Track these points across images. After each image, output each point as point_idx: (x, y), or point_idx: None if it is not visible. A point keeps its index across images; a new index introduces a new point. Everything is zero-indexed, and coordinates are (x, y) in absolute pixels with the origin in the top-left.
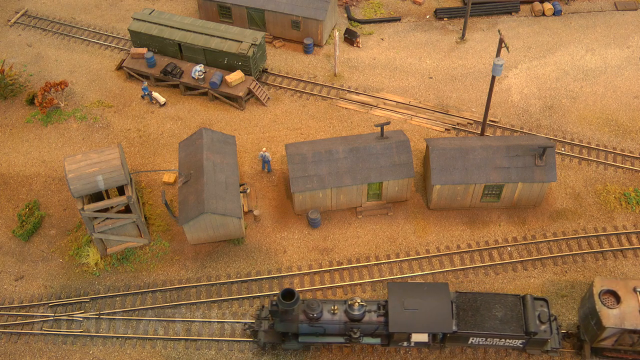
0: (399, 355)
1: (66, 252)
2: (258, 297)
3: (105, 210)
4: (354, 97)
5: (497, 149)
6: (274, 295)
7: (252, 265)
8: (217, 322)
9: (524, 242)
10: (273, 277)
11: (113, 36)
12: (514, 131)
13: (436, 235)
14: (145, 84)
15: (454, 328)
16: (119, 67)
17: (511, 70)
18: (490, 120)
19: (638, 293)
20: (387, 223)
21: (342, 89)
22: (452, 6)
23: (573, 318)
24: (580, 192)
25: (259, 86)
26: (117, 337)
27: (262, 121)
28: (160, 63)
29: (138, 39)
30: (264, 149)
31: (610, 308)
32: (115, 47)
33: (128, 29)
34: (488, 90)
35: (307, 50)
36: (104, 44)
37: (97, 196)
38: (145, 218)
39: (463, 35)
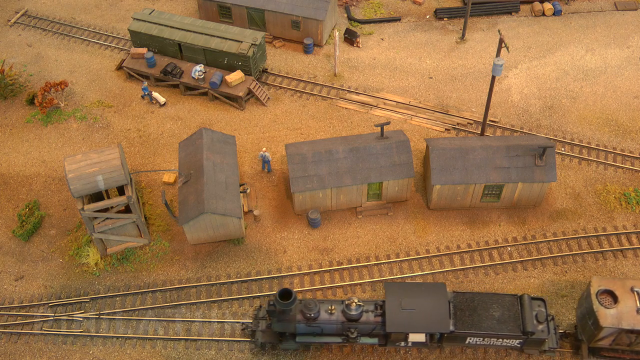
0: (399, 355)
1: (66, 252)
2: (258, 297)
3: (105, 210)
4: (354, 97)
5: (497, 149)
6: (273, 295)
7: (252, 265)
8: (217, 322)
9: (524, 242)
10: (273, 277)
11: (113, 36)
12: (514, 131)
13: (436, 235)
14: (145, 84)
15: (451, 328)
16: (119, 67)
17: (511, 70)
18: (490, 120)
19: (635, 293)
20: (387, 223)
21: (342, 89)
22: (452, 6)
23: (573, 318)
24: (580, 192)
25: (259, 86)
26: (117, 337)
27: (262, 121)
28: (160, 63)
29: (138, 39)
30: (264, 149)
31: (608, 308)
32: (115, 47)
33: (128, 29)
34: (488, 90)
35: (307, 50)
36: (104, 44)
37: (97, 196)
38: (145, 218)
39: (463, 35)
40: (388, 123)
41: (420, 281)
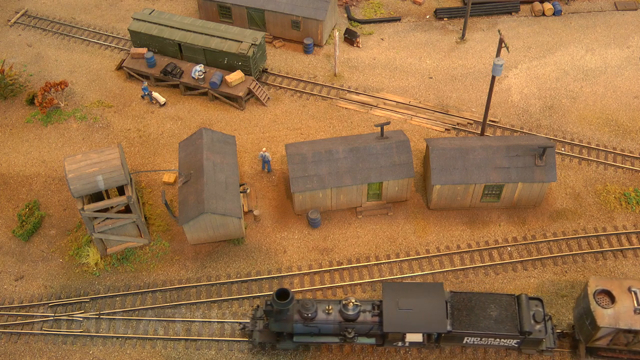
0: (399, 355)
1: (66, 252)
2: (258, 297)
3: (105, 210)
4: (354, 97)
5: (497, 149)
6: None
7: (252, 265)
8: (217, 322)
9: (524, 242)
10: (273, 277)
11: (113, 36)
12: (514, 131)
13: (436, 235)
14: (145, 84)
15: (449, 328)
16: (119, 67)
17: (511, 70)
18: (490, 120)
19: (633, 293)
20: (387, 223)
21: (342, 89)
22: (452, 6)
23: (572, 318)
24: (580, 192)
25: (259, 86)
26: (117, 337)
27: (262, 121)
28: (160, 63)
29: (138, 39)
30: (264, 149)
31: (605, 308)
32: (115, 47)
33: (128, 29)
34: (488, 90)
35: (307, 50)
36: (104, 44)
37: (97, 196)
38: (145, 218)
39: (463, 35)
40: (388, 123)
41: (421, 281)
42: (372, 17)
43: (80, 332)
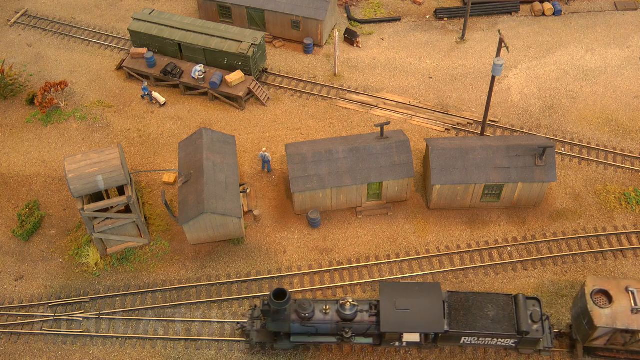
0: (399, 355)
1: (66, 252)
2: (258, 297)
3: (105, 210)
4: (354, 97)
5: (497, 149)
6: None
7: (252, 265)
8: (217, 322)
9: (524, 242)
10: (273, 277)
11: (113, 36)
12: (514, 131)
13: (436, 235)
14: (145, 84)
15: (446, 328)
16: (119, 67)
17: (511, 70)
18: (490, 120)
19: (630, 293)
20: (387, 223)
21: (342, 89)
22: (452, 6)
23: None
24: (580, 192)
25: (259, 86)
26: (117, 337)
27: (262, 121)
28: (160, 63)
29: (138, 39)
30: (264, 149)
31: (602, 308)
32: (115, 47)
33: (128, 29)
34: (488, 90)
35: (307, 50)
36: (104, 44)
37: (97, 196)
38: (145, 218)
39: (463, 35)
40: (388, 123)
41: (421, 281)
42: (372, 17)
43: (80, 332)
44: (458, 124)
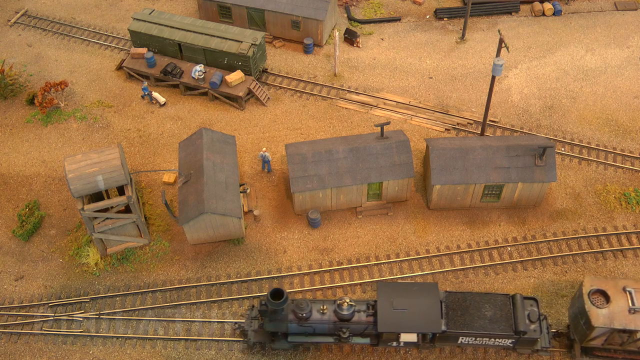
0: (399, 355)
1: (66, 252)
2: (258, 297)
3: (105, 210)
4: (354, 97)
5: (497, 149)
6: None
7: (252, 265)
8: (217, 322)
9: (524, 242)
10: (273, 277)
11: (113, 36)
12: (514, 131)
13: (436, 235)
14: (145, 84)
15: (443, 328)
16: (119, 67)
17: (511, 70)
18: (490, 120)
19: (627, 292)
20: (387, 223)
21: (342, 89)
22: (452, 6)
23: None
24: (580, 192)
25: (259, 86)
26: (117, 337)
27: (262, 121)
28: (160, 63)
29: (138, 39)
30: (264, 149)
31: (600, 308)
32: (115, 47)
33: (128, 29)
34: (488, 90)
35: (307, 50)
36: (104, 44)
37: (97, 196)
38: (145, 218)
39: (463, 35)
40: (388, 123)
41: (421, 281)
42: (372, 17)
43: (80, 332)
44: (458, 124)
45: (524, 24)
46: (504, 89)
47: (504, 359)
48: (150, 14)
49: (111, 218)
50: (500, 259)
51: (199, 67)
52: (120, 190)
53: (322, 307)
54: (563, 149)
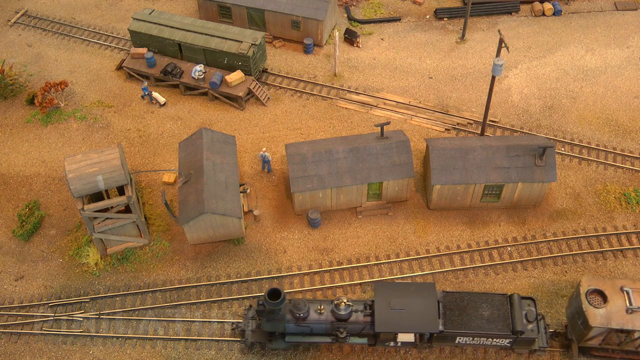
0: (399, 355)
1: (66, 252)
2: (258, 297)
3: (105, 210)
4: (354, 97)
5: (497, 149)
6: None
7: (252, 265)
8: (217, 322)
9: (524, 242)
10: (273, 277)
11: (113, 36)
12: (514, 131)
13: (436, 235)
14: (145, 84)
15: (441, 328)
16: (119, 67)
17: (511, 70)
18: (490, 120)
19: (625, 292)
20: (387, 223)
21: (342, 89)
22: (452, 6)
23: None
24: (580, 192)
25: (259, 86)
26: (117, 337)
27: (262, 121)
28: (160, 63)
29: (138, 39)
30: (264, 149)
31: (597, 307)
32: (115, 47)
33: (128, 29)
34: (488, 90)
35: (307, 50)
36: (104, 44)
37: (97, 196)
38: (145, 218)
39: (463, 35)
40: (388, 123)
41: (421, 281)
42: (372, 17)
43: (80, 332)
44: (458, 124)
45: (524, 24)
46: (504, 89)
47: (504, 359)
48: (150, 14)
49: (111, 218)
50: (500, 259)
51: (199, 67)
52: (120, 190)
53: (319, 307)
54: (563, 149)
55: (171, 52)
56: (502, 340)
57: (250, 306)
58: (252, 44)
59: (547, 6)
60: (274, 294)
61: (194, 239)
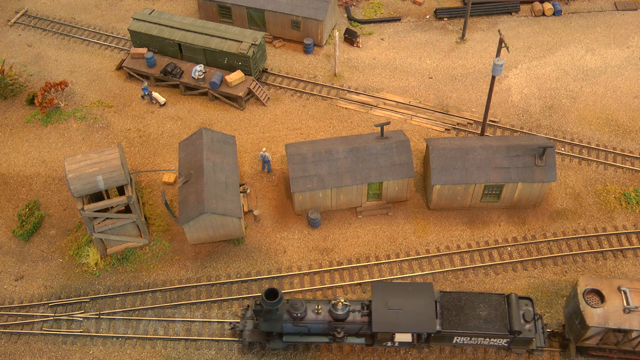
0: (398, 355)
1: (66, 252)
2: (258, 297)
3: (105, 210)
4: (354, 97)
5: (497, 149)
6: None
7: (252, 265)
8: (217, 322)
9: (524, 242)
10: (273, 277)
11: (113, 36)
12: (514, 131)
13: (436, 235)
14: (145, 84)
15: (438, 328)
16: (119, 67)
17: (511, 70)
18: (490, 120)
19: (622, 292)
20: (387, 223)
21: (342, 89)
22: (452, 6)
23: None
24: (580, 192)
25: (259, 86)
26: (117, 337)
27: (262, 121)
28: (160, 63)
29: (138, 39)
30: (264, 149)
31: (594, 307)
32: (115, 47)
33: (128, 29)
34: (488, 90)
35: (307, 50)
36: (104, 44)
37: (97, 196)
38: (145, 218)
39: (463, 35)
40: (388, 123)
41: (421, 281)
42: (372, 17)
43: (80, 332)
44: (458, 124)
45: (524, 24)
46: (504, 89)
47: (503, 359)
48: (150, 14)
49: (111, 218)
50: (500, 259)
51: (199, 67)
52: (120, 190)
53: (316, 307)
54: (563, 149)
55: (171, 52)
56: (499, 340)
57: (248, 306)
58: (252, 44)
59: (547, 6)
60: (272, 293)
61: (194, 239)
